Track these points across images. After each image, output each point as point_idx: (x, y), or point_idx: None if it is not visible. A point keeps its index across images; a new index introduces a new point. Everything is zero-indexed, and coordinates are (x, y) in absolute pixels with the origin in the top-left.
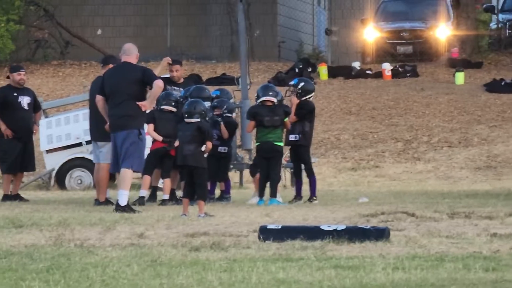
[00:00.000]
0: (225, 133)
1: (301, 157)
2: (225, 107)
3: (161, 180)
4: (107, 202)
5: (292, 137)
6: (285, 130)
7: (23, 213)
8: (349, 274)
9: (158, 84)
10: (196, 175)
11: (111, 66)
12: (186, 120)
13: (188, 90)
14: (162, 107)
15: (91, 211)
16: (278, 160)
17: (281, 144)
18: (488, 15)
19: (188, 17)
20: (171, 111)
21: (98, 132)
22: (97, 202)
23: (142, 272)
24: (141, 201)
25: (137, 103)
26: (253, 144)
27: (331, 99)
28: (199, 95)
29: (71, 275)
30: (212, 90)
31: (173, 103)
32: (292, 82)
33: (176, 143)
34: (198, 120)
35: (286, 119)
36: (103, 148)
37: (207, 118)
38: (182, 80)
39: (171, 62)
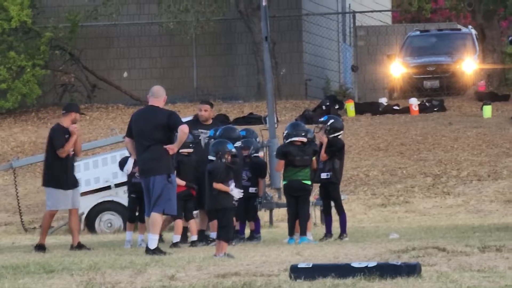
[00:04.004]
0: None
1: (331, 194)
2: (251, 147)
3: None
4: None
5: (323, 175)
6: (314, 168)
7: (54, 258)
8: None
9: (183, 130)
10: (219, 215)
11: (73, 114)
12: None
13: (216, 130)
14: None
15: (121, 255)
16: (306, 198)
17: (309, 182)
18: None
19: (213, 58)
20: (189, 153)
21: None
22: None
23: None
24: (175, 246)
25: (164, 146)
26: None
27: (359, 135)
28: (229, 136)
29: None
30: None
31: (190, 145)
32: (321, 119)
33: None
34: (213, 159)
35: (314, 158)
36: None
37: (223, 160)
38: (210, 121)
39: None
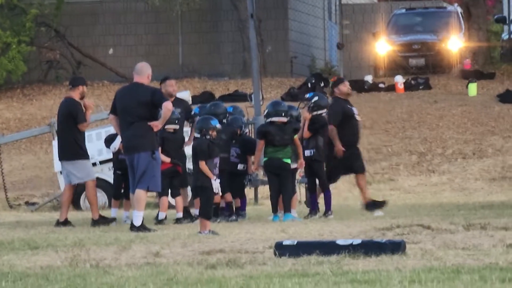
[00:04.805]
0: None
1: (315, 172)
2: (242, 126)
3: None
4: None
5: (307, 153)
6: (298, 146)
7: (38, 234)
8: None
9: (167, 106)
10: (200, 193)
11: (81, 87)
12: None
13: (203, 107)
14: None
15: (106, 231)
16: (287, 176)
17: (289, 161)
18: (499, 26)
19: (199, 35)
20: (175, 129)
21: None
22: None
23: None
24: (160, 223)
25: (149, 123)
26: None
27: None
28: (214, 111)
29: None
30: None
31: (176, 122)
32: (307, 95)
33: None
34: (198, 136)
35: (296, 136)
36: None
37: (207, 137)
38: (172, 98)
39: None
